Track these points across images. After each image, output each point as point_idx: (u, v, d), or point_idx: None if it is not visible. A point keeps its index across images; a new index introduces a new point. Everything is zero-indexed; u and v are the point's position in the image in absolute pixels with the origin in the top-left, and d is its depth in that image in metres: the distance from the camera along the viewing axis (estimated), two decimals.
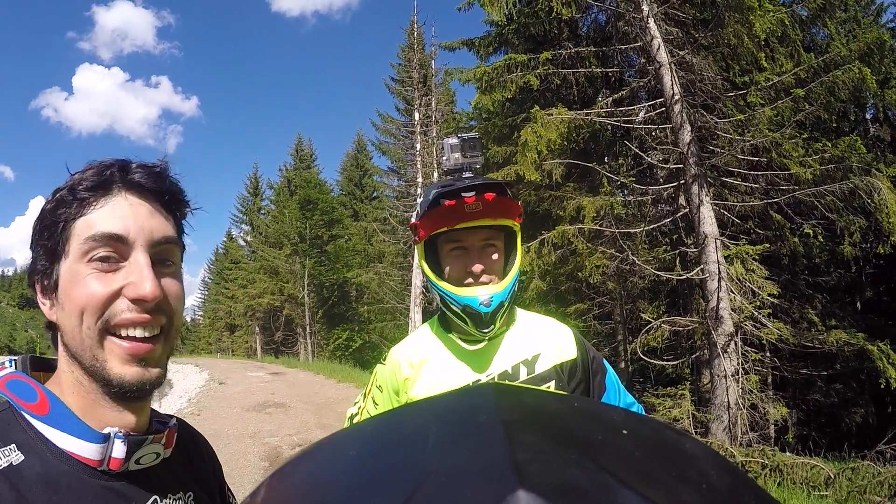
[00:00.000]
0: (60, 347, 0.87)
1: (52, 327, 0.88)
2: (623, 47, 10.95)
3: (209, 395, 15.02)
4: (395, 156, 26.98)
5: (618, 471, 0.27)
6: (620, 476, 0.26)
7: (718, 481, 0.30)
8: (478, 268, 1.59)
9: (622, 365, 12.79)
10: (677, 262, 10.75)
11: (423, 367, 1.69)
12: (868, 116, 14.09)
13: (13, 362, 0.90)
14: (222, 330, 45.15)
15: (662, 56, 9.52)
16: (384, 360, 1.80)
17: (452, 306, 1.59)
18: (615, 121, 10.38)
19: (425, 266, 1.67)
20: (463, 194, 1.53)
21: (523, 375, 1.63)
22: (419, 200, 1.69)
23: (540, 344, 1.67)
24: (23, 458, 0.78)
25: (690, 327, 9.96)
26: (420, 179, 23.35)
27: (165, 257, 0.89)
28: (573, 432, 0.32)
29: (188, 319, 66.26)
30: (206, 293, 55.30)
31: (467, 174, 1.66)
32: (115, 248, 0.83)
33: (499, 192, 1.55)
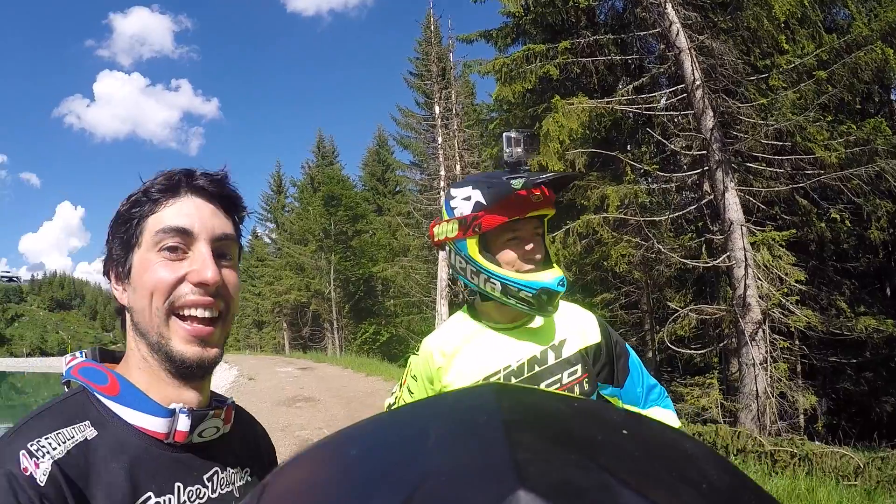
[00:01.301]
0: (129, 328, 0.99)
1: (122, 312, 1.01)
2: (642, 33, 10.83)
3: (240, 391, 15.23)
4: (416, 150, 27.09)
5: (618, 471, 0.27)
6: (620, 476, 0.26)
7: (718, 481, 0.30)
8: (534, 255, 1.65)
9: (650, 354, 12.69)
10: (703, 249, 10.57)
11: (455, 355, 1.75)
12: (893, 98, 13.72)
13: (83, 353, 1.02)
14: (250, 327, 45.68)
15: (682, 41, 9.41)
16: (417, 350, 1.86)
17: (522, 293, 1.62)
18: (636, 108, 10.28)
19: (481, 259, 1.67)
20: (539, 184, 1.62)
21: (551, 360, 1.69)
22: (474, 193, 1.68)
23: (565, 330, 1.73)
24: (96, 433, 0.88)
25: (718, 315, 9.84)
26: (443, 172, 23.32)
27: (224, 252, 1.01)
28: (573, 432, 0.32)
29: None
30: None
31: (525, 168, 1.70)
32: (181, 240, 0.95)
33: (565, 182, 1.69)
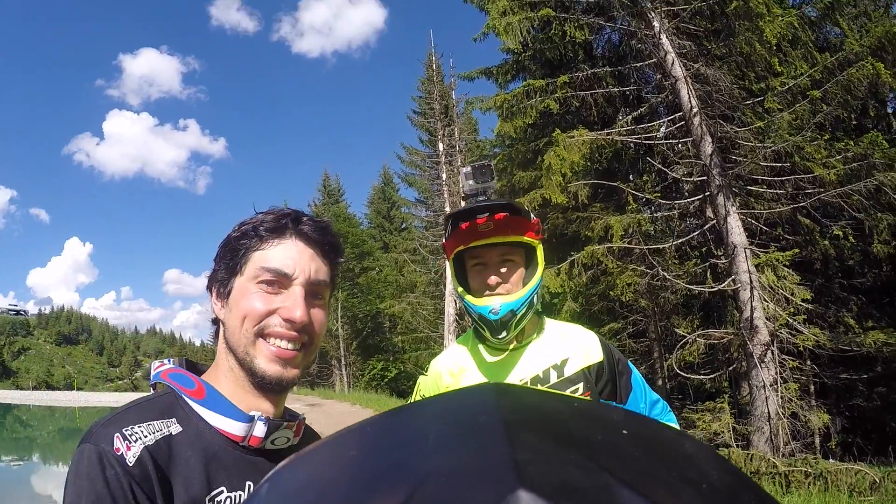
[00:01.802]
0: (221, 339, 1.11)
1: (217, 322, 1.13)
2: (638, 65, 11.02)
3: None
4: (421, 187, 27.26)
5: (618, 471, 0.27)
6: (620, 476, 0.26)
7: (718, 481, 0.30)
8: (493, 280, 1.74)
9: (659, 382, 12.60)
10: (708, 274, 10.64)
11: (462, 375, 1.84)
12: (889, 111, 13.83)
13: (171, 361, 1.14)
14: None
15: (677, 70, 9.60)
16: (426, 371, 1.97)
17: (472, 315, 1.75)
18: (636, 138, 10.43)
19: (455, 280, 1.86)
20: (476, 216, 1.70)
21: (553, 378, 1.75)
22: (447, 222, 1.84)
23: (568, 349, 1.79)
24: (181, 429, 0.99)
25: (726, 339, 9.81)
26: (448, 209, 23.34)
27: (317, 293, 1.11)
28: (573, 432, 0.32)
29: None
30: None
31: (481, 198, 1.79)
32: (280, 281, 1.06)
33: (511, 212, 1.71)
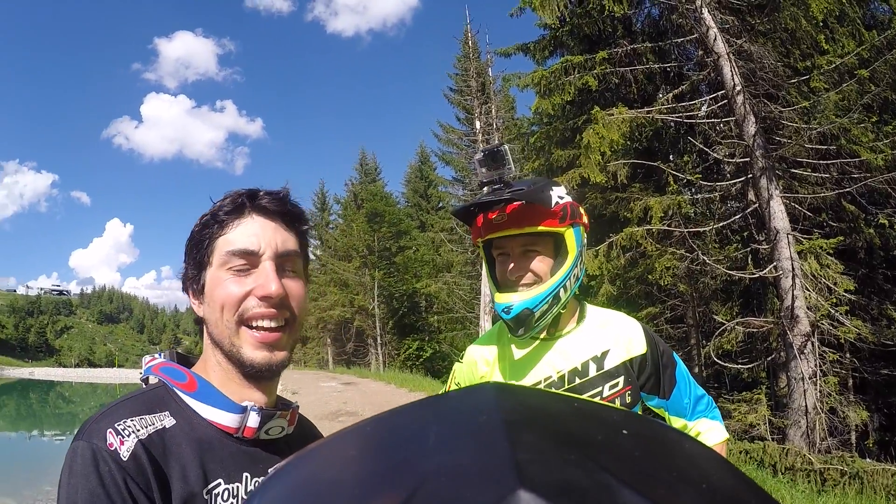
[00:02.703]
0: (206, 337, 1.10)
1: (200, 321, 1.11)
2: (679, 40, 10.65)
3: None
4: (458, 165, 27.14)
5: (618, 470, 0.27)
6: (620, 476, 0.26)
7: (718, 481, 0.30)
8: (514, 273, 1.65)
9: (696, 370, 12.31)
10: (749, 260, 10.27)
11: (497, 363, 1.77)
12: None
13: (161, 354, 1.13)
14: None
15: (720, 46, 9.25)
16: (461, 357, 1.90)
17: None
18: (677, 117, 10.08)
19: (486, 268, 1.78)
20: (485, 210, 1.64)
21: (592, 372, 1.67)
22: None
23: (609, 340, 1.71)
24: (174, 422, 0.98)
25: (765, 328, 9.54)
26: (486, 189, 23.22)
27: (288, 265, 1.09)
28: (573, 432, 0.32)
29: None
30: None
31: (497, 186, 1.69)
32: (247, 260, 1.04)
33: (526, 201, 1.59)
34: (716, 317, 10.62)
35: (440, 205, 36.69)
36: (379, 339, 34.28)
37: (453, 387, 1.87)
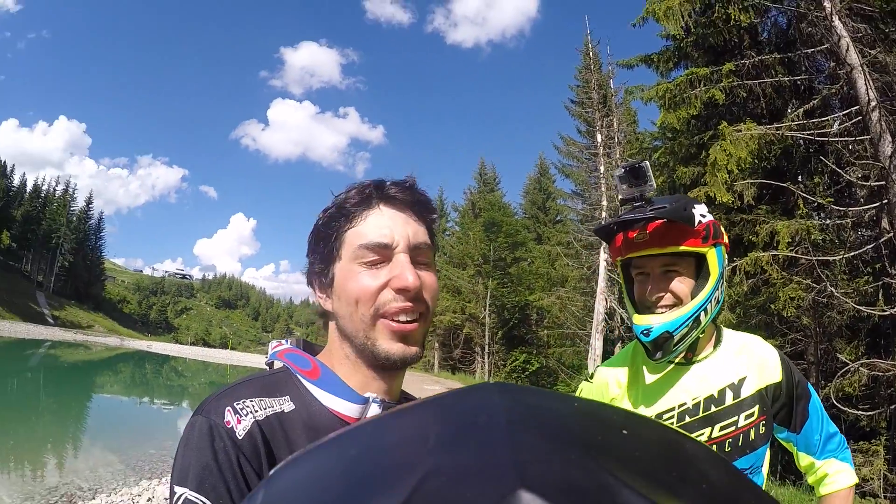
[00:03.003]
0: (333, 330, 1.08)
1: (325, 315, 1.09)
2: (809, 51, 9.88)
3: None
4: (578, 179, 26.55)
5: (618, 471, 0.27)
6: (621, 476, 0.26)
7: (718, 481, 0.30)
8: (653, 295, 1.60)
9: None
10: (881, 295, 9.29)
11: (629, 387, 1.73)
12: None
13: (288, 341, 1.13)
14: None
15: (853, 57, 8.47)
16: (591, 377, 1.85)
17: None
18: (808, 134, 9.30)
19: (624, 289, 1.73)
20: (626, 229, 1.59)
21: (729, 400, 1.61)
22: None
23: (746, 366, 1.65)
24: (293, 407, 0.98)
25: (892, 373, 8.55)
26: (605, 203, 22.80)
27: (420, 256, 1.04)
28: (574, 432, 0.32)
29: None
30: None
31: (638, 203, 1.62)
32: (380, 253, 1.01)
33: (671, 218, 1.54)
34: (839, 355, 9.67)
35: (558, 217, 36.24)
36: (487, 347, 34.28)
37: None
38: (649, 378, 1.70)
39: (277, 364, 1.08)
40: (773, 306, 10.19)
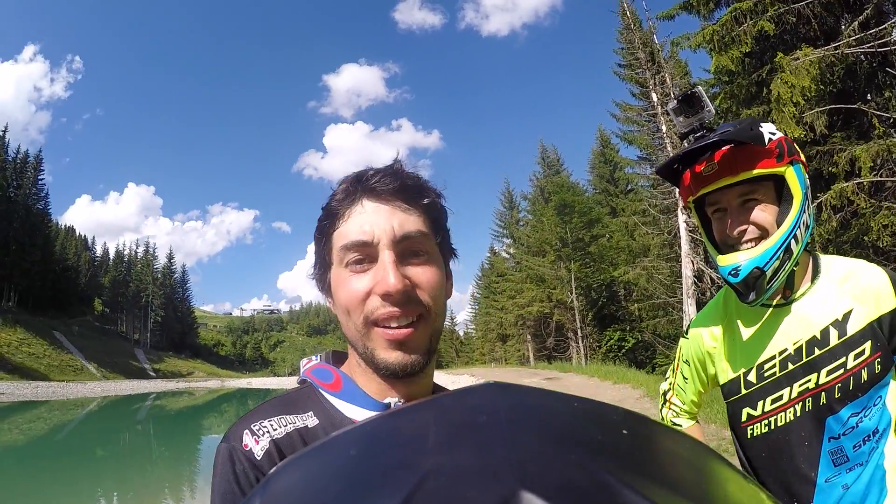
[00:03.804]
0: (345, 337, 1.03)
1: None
2: None
3: None
4: (642, 143, 25.70)
5: (618, 470, 0.27)
6: (621, 476, 0.26)
7: (719, 481, 0.30)
8: (736, 230, 1.46)
9: None
10: None
11: (725, 337, 1.62)
12: None
13: (318, 356, 1.12)
14: (494, 340, 47.14)
15: None
16: (686, 333, 1.76)
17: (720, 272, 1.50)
18: (868, 47, 8.58)
19: (702, 232, 1.59)
20: (691, 163, 1.47)
21: (833, 340, 1.44)
22: None
23: (851, 297, 1.47)
24: (318, 422, 0.96)
25: None
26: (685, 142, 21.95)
27: (415, 249, 0.95)
28: (574, 432, 0.32)
29: (461, 333, 72.00)
30: (476, 307, 57.94)
31: (699, 133, 1.52)
32: (363, 253, 0.93)
33: (738, 140, 1.40)
34: None
35: (629, 187, 35.26)
36: (579, 331, 33.77)
37: (682, 365, 1.77)
38: (745, 326, 1.56)
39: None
40: (866, 238, 9.49)
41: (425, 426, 0.33)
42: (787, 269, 1.44)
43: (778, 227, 1.43)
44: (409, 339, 0.93)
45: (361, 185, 0.97)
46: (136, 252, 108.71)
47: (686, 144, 1.52)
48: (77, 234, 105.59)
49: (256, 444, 0.89)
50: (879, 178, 8.84)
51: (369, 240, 0.93)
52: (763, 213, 1.44)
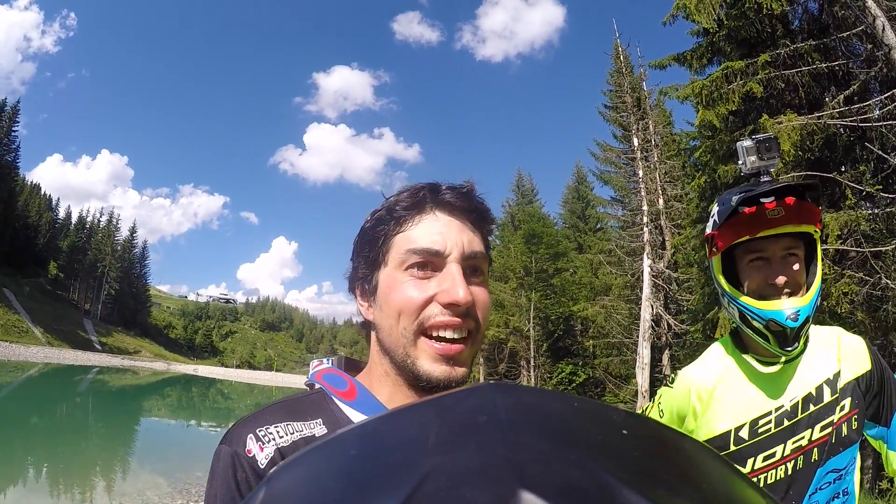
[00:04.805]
0: (374, 342, 1.00)
1: (367, 325, 1.02)
2: (843, 35, 9.55)
3: None
4: (617, 184, 26.25)
5: (618, 470, 0.27)
6: (620, 476, 0.26)
7: (718, 481, 0.30)
8: (781, 279, 1.50)
9: None
10: None
11: (716, 390, 1.62)
12: None
13: (330, 360, 1.08)
14: None
15: (889, 37, 8.18)
16: (672, 382, 1.74)
17: (754, 322, 1.50)
18: (850, 121, 8.93)
19: (723, 280, 1.60)
20: (763, 200, 1.45)
21: (827, 397, 1.52)
22: (715, 209, 1.61)
23: (837, 359, 1.57)
24: (326, 431, 0.93)
25: None
26: (645, 207, 22.51)
27: (477, 268, 0.97)
28: (573, 432, 0.32)
29: None
30: None
31: (765, 178, 1.56)
32: (430, 261, 0.93)
33: (800, 196, 1.46)
34: None
35: (598, 225, 35.87)
36: (532, 360, 33.92)
37: (655, 415, 1.75)
38: (738, 380, 1.60)
39: (317, 385, 1.03)
40: (825, 303, 9.74)
41: (425, 426, 0.33)
42: (810, 325, 1.51)
43: (807, 288, 1.51)
44: (459, 354, 0.93)
45: (435, 195, 0.97)
46: (98, 220, 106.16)
47: (742, 186, 1.58)
48: (42, 192, 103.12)
49: (261, 451, 0.87)
50: (845, 248, 9.16)
51: (441, 249, 0.92)
52: (799, 269, 1.51)
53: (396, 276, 0.94)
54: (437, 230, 0.94)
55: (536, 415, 0.33)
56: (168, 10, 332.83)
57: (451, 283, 0.90)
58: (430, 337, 0.92)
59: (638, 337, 21.81)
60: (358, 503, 0.27)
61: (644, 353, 20.95)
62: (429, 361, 0.92)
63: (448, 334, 0.91)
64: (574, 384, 29.86)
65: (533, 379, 33.42)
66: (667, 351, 21.61)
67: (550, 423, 0.32)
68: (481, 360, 39.09)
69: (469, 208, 0.98)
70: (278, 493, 0.32)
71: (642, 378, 20.41)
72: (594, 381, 28.58)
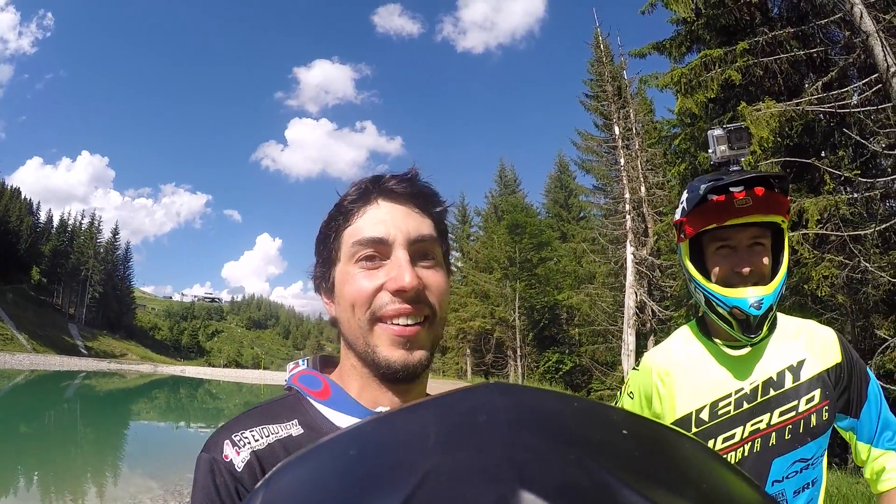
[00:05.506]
0: (342, 339, 1.01)
1: (335, 323, 1.03)
2: (822, 22, 9.66)
3: None
4: (599, 173, 26.40)
5: (618, 470, 0.27)
6: (620, 476, 0.26)
7: (718, 481, 0.30)
8: (746, 269, 1.52)
9: None
10: None
11: (679, 374, 1.65)
12: None
13: (306, 360, 1.09)
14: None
15: (867, 25, 8.22)
16: (638, 365, 1.78)
17: (719, 308, 1.54)
18: (828, 107, 9.03)
19: (690, 266, 1.63)
20: (732, 189, 1.48)
21: (788, 383, 1.54)
22: (684, 196, 1.63)
23: (804, 348, 1.58)
24: (302, 431, 0.94)
25: None
26: (627, 195, 22.65)
27: (425, 252, 0.97)
28: (573, 432, 0.32)
29: None
30: None
31: (734, 168, 1.59)
32: (377, 250, 0.94)
33: (768, 186, 1.49)
34: (878, 332, 9.41)
35: (581, 214, 36.02)
36: (518, 350, 34.14)
37: (625, 397, 1.79)
38: (703, 363, 1.64)
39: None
40: (806, 287, 9.88)
41: (425, 426, 0.33)
42: (774, 313, 1.55)
43: (772, 277, 1.53)
44: (415, 337, 0.93)
45: (377, 185, 0.99)
46: (80, 223, 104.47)
47: (711, 172, 1.60)
48: (23, 197, 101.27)
49: (237, 455, 0.89)
50: (824, 232, 9.27)
51: (385, 237, 0.94)
52: (765, 258, 1.54)
53: (348, 269, 0.96)
54: (379, 218, 0.96)
55: (536, 414, 0.33)
56: (146, 8, 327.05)
57: (398, 270, 0.92)
58: (385, 323, 0.94)
59: (623, 324, 22.03)
60: (358, 503, 0.28)
61: (629, 339, 21.15)
62: (386, 347, 0.93)
63: (401, 321, 0.93)
64: (561, 372, 30.05)
65: (520, 368, 33.63)
66: (652, 337, 21.80)
67: (550, 423, 0.32)
68: (468, 351, 39.29)
69: (413, 193, 0.99)
70: (278, 494, 0.33)
71: (628, 365, 20.59)
72: (581, 369, 28.77)
